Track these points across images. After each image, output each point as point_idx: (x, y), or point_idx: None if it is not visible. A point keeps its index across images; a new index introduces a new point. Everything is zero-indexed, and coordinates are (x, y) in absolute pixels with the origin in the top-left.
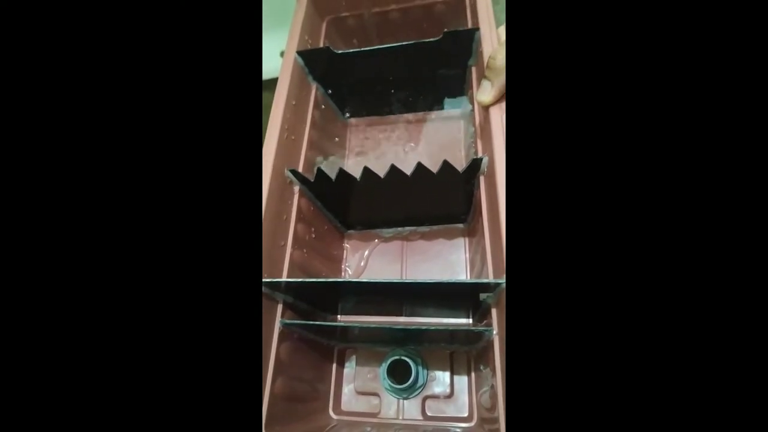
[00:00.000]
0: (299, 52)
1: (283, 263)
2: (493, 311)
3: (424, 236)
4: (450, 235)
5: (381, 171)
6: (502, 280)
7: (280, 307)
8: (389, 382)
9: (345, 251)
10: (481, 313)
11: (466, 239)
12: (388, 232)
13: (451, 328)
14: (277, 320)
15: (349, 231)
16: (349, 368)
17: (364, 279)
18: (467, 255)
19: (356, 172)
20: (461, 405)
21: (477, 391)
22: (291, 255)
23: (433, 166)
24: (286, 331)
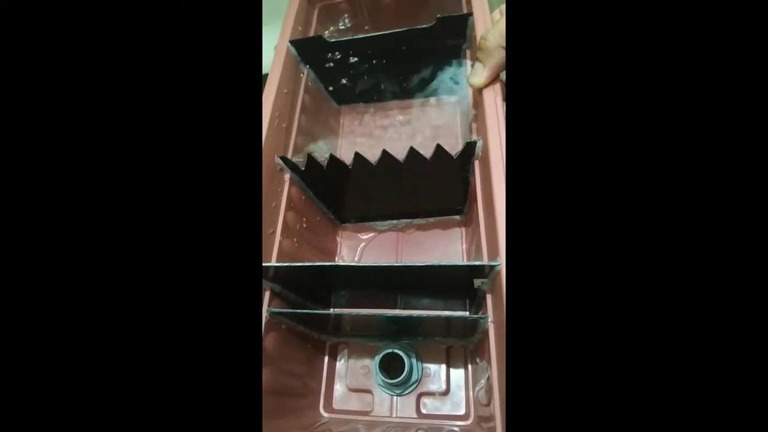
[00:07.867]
0: (291, 42)
1: (271, 251)
2: (488, 298)
3: (420, 228)
4: (446, 227)
5: (374, 158)
6: (498, 262)
7: (267, 295)
8: (382, 377)
9: (339, 245)
10: (476, 305)
11: (463, 230)
12: (383, 224)
13: (445, 315)
14: (264, 309)
15: (344, 224)
16: (341, 364)
17: (355, 263)
18: (464, 246)
19: (348, 160)
20: (458, 402)
21: (474, 387)
22: (280, 243)
23: (427, 153)
24: (273, 321)
